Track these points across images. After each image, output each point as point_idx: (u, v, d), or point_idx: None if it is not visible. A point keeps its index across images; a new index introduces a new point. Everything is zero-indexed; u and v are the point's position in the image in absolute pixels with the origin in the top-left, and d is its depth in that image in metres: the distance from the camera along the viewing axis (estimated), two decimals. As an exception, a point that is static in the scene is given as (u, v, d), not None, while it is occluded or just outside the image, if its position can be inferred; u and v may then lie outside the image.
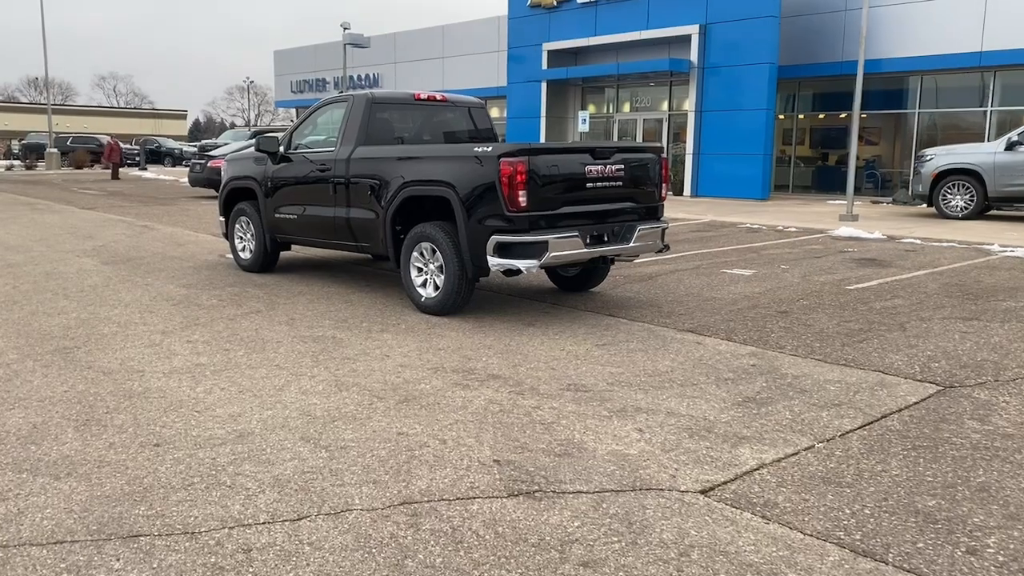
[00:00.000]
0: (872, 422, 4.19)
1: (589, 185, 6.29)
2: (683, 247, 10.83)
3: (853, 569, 2.74)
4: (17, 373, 4.96)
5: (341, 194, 7.31)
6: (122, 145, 41.92)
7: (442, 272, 6.48)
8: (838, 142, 22.57)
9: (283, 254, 8.87)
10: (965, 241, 11.37)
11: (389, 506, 3.18)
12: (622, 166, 6.48)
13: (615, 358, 5.35)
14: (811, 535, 2.97)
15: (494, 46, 27.89)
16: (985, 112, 19.08)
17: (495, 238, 5.99)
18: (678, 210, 16.22)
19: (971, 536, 2.97)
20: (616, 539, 2.93)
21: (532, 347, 5.63)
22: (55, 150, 36.61)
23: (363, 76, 33.88)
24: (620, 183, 6.50)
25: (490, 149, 6.04)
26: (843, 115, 22.26)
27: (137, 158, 39.17)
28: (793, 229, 13.25)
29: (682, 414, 4.26)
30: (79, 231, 12.43)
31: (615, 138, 23.35)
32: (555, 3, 23.27)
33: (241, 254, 8.78)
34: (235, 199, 8.77)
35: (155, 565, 2.74)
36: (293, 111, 43.25)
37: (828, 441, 3.92)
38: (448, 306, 6.49)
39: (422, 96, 7.71)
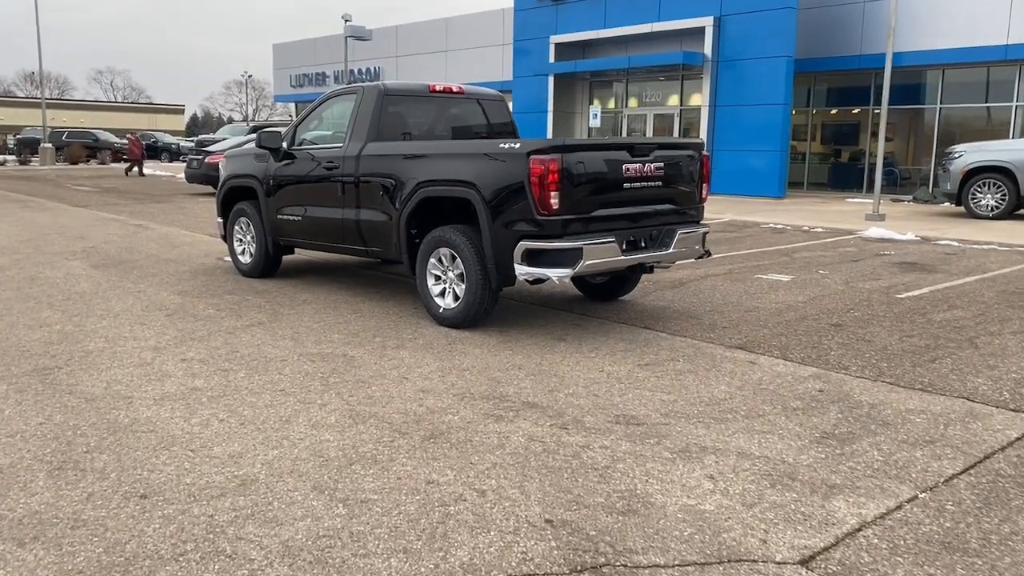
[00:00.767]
0: (976, 464, 3.60)
1: (626, 185, 5.69)
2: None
3: None
4: (-13, 401, 4.36)
5: (350, 194, 6.70)
6: (116, 140, 41.34)
7: (463, 281, 5.88)
8: (853, 138, 21.98)
9: (285, 257, 8.25)
10: (1005, 243, 10.78)
11: (426, 587, 2.59)
12: (662, 164, 5.88)
13: (663, 382, 4.75)
14: (958, 631, 2.38)
15: (499, 39, 27.26)
16: (1011, 107, 18.45)
17: (524, 244, 5.39)
18: (694, 208, 15.60)
19: None
20: (716, 638, 2.33)
21: (567, 367, 5.03)
22: (49, 145, 35.92)
23: (364, 70, 33.22)
24: (659, 183, 5.90)
25: (518, 145, 5.43)
26: (856, 111, 21.69)
27: (133, 153, 38.44)
28: (820, 229, 12.65)
29: (755, 455, 3.66)
30: (70, 231, 11.82)
31: (624, 134, 22.74)
32: (563, -6, 22.66)
33: (240, 258, 8.17)
34: (234, 199, 8.15)
35: None
36: (292, 106, 42.65)
37: (932, 490, 3.33)
38: (469, 318, 5.89)
39: (437, 88, 7.10)
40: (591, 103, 23.47)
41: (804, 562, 2.76)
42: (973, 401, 4.45)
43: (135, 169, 27.53)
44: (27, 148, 39.65)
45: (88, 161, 37.40)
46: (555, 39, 22.97)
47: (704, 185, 6.30)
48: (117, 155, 39.07)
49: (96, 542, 2.85)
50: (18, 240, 10.76)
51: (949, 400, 4.47)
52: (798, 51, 19.32)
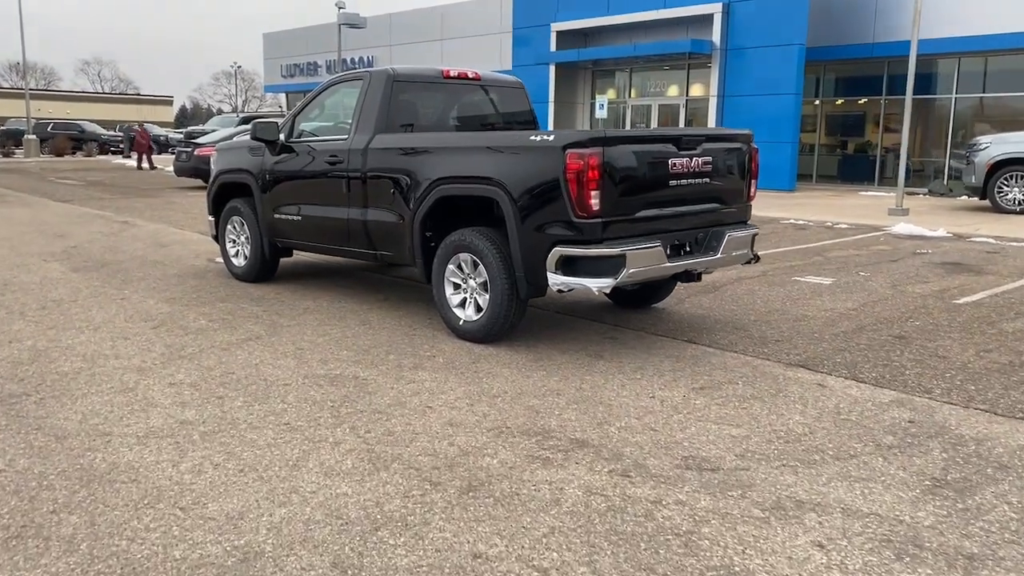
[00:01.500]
0: None
1: (672, 182, 5.05)
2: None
3: None
4: (-63, 441, 3.69)
5: (356, 192, 6.04)
6: (103, 131, 40.44)
7: (486, 290, 5.23)
8: (863, 130, 21.37)
9: (282, 259, 7.57)
10: (1045, 240, 10.19)
11: None
12: (710, 158, 5.24)
13: (726, 411, 4.12)
14: None
15: (496, 27, 26.50)
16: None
17: (558, 250, 4.75)
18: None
19: None
20: None
21: (612, 392, 4.39)
22: (34, 137, 34.98)
23: (357, 59, 32.40)
24: (707, 179, 5.26)
25: (552, 138, 4.78)
26: (864, 100, 21.08)
27: (120, 145, 37.60)
28: (844, 225, 12.04)
29: (863, 512, 3.03)
30: (50, 228, 11.09)
31: (627, 125, 22.07)
32: (564, -19, 21.95)
33: (234, 260, 7.49)
34: (227, 195, 7.47)
35: None
36: (283, 96, 41.75)
37: (1091, 560, 2.71)
38: (493, 332, 5.25)
39: (451, 73, 6.43)
40: (593, 93, 22.78)
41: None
42: (1090, 434, 3.84)
43: (145, 164, 26.31)
44: (10, 140, 38.64)
45: (74, 153, 36.50)
46: (556, 26, 22.27)
47: (753, 181, 5.67)
48: (104, 147, 38.20)
49: (57, 653, 2.21)
50: (-6, 239, 10.05)
51: (1063, 433, 3.85)
52: (808, 39, 18.68)
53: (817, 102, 21.73)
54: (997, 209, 13.51)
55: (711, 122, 19.20)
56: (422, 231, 5.59)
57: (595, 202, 4.63)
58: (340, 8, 25.48)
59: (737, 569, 2.63)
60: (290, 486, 3.23)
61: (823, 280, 7.61)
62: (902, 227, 11.18)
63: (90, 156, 36.20)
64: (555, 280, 4.81)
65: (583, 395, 4.34)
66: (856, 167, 20.98)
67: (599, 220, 4.68)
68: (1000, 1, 17.13)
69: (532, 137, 4.91)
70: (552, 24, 22.35)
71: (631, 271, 4.72)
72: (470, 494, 3.16)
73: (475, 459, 3.49)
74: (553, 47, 22.39)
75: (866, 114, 21.35)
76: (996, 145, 13.50)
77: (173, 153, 37.93)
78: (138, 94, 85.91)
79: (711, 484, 3.26)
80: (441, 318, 5.66)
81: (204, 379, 4.60)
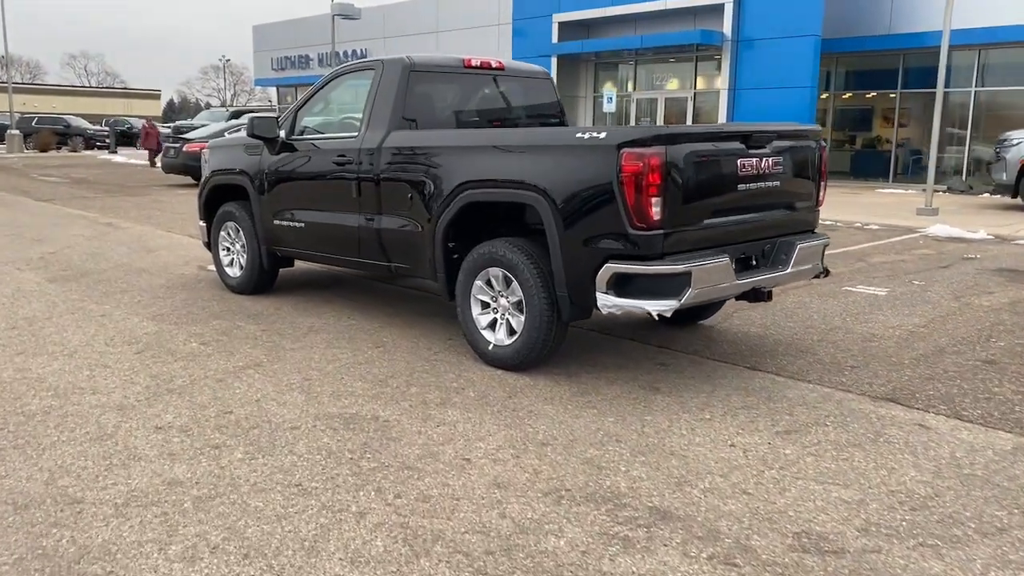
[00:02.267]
0: None
1: (740, 186, 4.36)
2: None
3: None
4: None
5: (368, 196, 5.33)
6: (89, 126, 39.48)
7: (521, 311, 4.54)
8: (875, 125, 20.74)
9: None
10: (1094, 242, 9.57)
11: None
12: (780, 158, 4.56)
13: (824, 463, 3.44)
14: None
15: (494, 19, 25.71)
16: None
17: (611, 267, 4.06)
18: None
19: None
20: None
21: (681, 437, 3.71)
22: (17, 132, 33.96)
23: (350, 52, 31.56)
24: (777, 182, 4.58)
25: (604, 135, 4.08)
26: (871, 94, 20.45)
27: (107, 140, 36.65)
28: (875, 226, 11.39)
29: (1051, 620, 2.36)
30: (28, 231, 10.31)
31: (632, 121, 21.38)
32: (566, -30, 21.20)
33: (228, 270, 6.76)
34: (220, 198, 6.74)
35: None
36: (273, 90, 40.89)
37: None
38: (529, 359, 4.56)
39: (474, 63, 5.72)
40: (596, 86, 22.07)
41: None
42: None
43: (158, 163, 25.16)
44: (-7, 135, 37.62)
45: (59, 148, 35.53)
46: (558, 17, 21.52)
47: (822, 183, 4.99)
48: (90, 142, 37.23)
49: None
50: (-34, 244, 9.28)
51: None
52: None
53: (825, 95, 21.06)
54: (1029, 207, 12.90)
55: (721, 117, 18.53)
56: (445, 241, 4.89)
57: (656, 210, 3.94)
58: (334, -2, 24.67)
59: None
60: (308, 582, 2.53)
61: (876, 290, 6.95)
62: (939, 228, 10.54)
63: (76, 151, 35.25)
64: (606, 301, 4.12)
65: (648, 442, 3.65)
66: (869, 163, 20.34)
67: (659, 232, 3.99)
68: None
69: (580, 134, 4.22)
70: (554, 15, 21.62)
71: (696, 291, 4.04)
72: (540, 595, 2.47)
73: (536, 539, 2.80)
74: (555, 39, 21.66)
75: (876, 108, 20.73)
76: (1029, 140, 12.87)
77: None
78: (125, 88, 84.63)
79: (841, 574, 2.58)
80: (466, 340, 4.96)
81: (197, 421, 3.89)
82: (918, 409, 4.10)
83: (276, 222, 6.11)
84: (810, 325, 5.77)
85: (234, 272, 6.70)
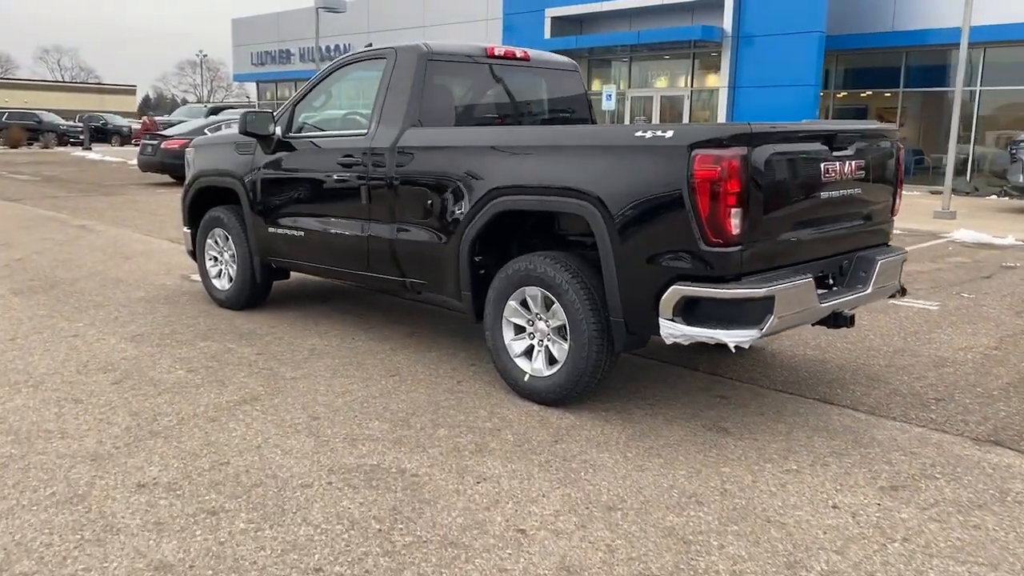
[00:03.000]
0: None
1: (823, 194, 3.77)
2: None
3: None
4: None
5: (380, 202, 4.68)
6: (62, 122, 38.29)
7: (564, 337, 3.91)
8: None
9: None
10: None
11: None
12: (862, 161, 3.96)
13: (953, 532, 2.85)
14: None
15: (482, 13, 25.04)
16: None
17: (679, 289, 3.44)
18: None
19: None
20: None
21: (772, 497, 3.10)
22: (-14, 127, 32.81)
23: (333, 47, 30.74)
24: (859, 189, 3.99)
25: (671, 134, 3.46)
26: (869, 93, 20.01)
27: (80, 137, 35.51)
28: (897, 231, 10.83)
29: None
30: (-7, 235, 9.53)
31: (627, 120, 20.81)
32: (559, -37, 20.57)
33: (215, 282, 6.07)
34: (207, 203, 6.05)
35: None
36: (252, 86, 39.94)
37: None
38: (573, 393, 3.94)
39: (497, 52, 5.08)
40: (588, 84, 21.44)
41: None
42: None
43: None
44: (-38, 130, 36.36)
45: (30, 144, 34.34)
46: (551, 12, 20.91)
47: (899, 190, 4.41)
48: (63, 138, 36.08)
49: None
50: (-76, 249, 8.50)
51: None
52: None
53: (832, 95, 20.61)
54: (1046, 211, 12.47)
55: (721, 116, 18.00)
56: (471, 255, 4.25)
57: (735, 223, 3.33)
58: (317, -9, 23.82)
59: None
60: None
61: (926, 304, 6.40)
62: (964, 233, 10.05)
63: (48, 147, 34.10)
64: (672, 330, 3.50)
65: (735, 505, 3.04)
66: (869, 164, 19.86)
67: (738, 248, 3.38)
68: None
69: (639, 133, 3.59)
70: (546, 10, 21.00)
71: (779, 318, 3.43)
72: None
73: (636, 654, 2.17)
74: (548, 35, 21.04)
75: (874, 107, 20.29)
76: (1045, 142, 12.44)
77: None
78: (100, 83, 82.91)
79: None
80: (495, 367, 4.32)
81: (187, 476, 3.23)
82: (1033, 456, 3.53)
83: (271, 230, 5.43)
84: (870, 347, 5.19)
85: (222, 284, 6.01)
